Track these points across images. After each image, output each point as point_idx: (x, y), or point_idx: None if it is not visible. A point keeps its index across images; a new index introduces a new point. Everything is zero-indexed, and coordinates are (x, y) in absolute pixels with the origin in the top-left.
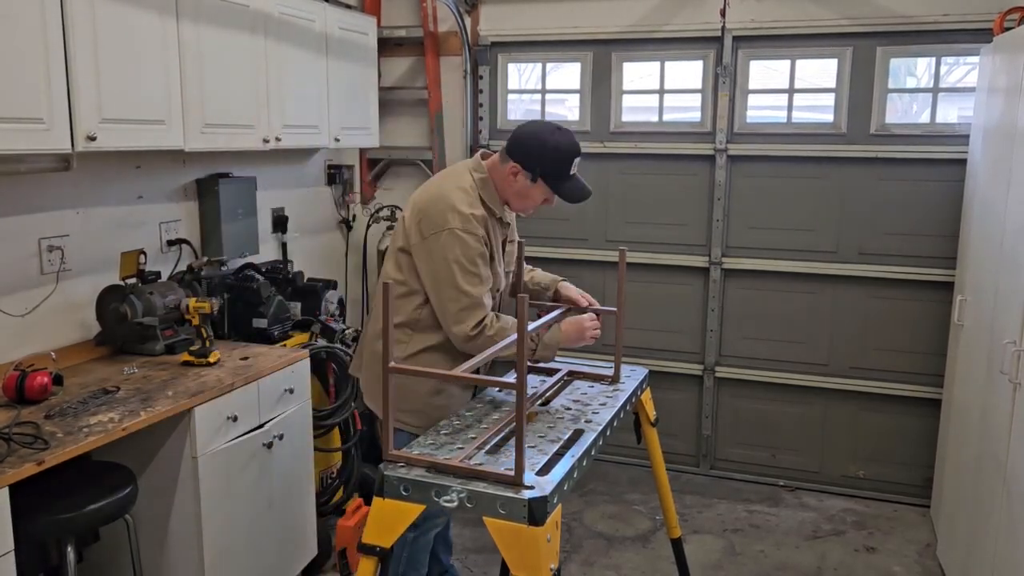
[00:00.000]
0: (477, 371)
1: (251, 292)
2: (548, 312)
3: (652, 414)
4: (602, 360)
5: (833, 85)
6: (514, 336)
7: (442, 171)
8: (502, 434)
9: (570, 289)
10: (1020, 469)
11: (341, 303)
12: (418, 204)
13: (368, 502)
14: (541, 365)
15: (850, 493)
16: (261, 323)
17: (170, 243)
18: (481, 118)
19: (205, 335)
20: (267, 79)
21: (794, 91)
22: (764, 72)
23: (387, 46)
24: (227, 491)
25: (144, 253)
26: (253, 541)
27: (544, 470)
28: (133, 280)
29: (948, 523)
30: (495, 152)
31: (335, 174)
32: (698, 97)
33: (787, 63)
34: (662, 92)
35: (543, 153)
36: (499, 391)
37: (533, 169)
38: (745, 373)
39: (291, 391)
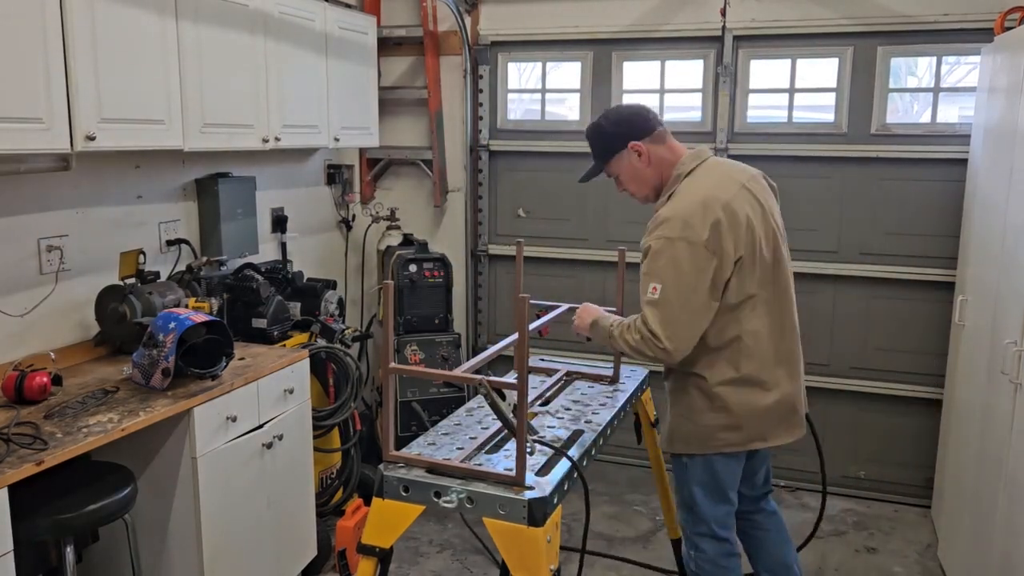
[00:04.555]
0: (478, 371)
1: (251, 292)
2: (548, 312)
3: (652, 414)
4: (602, 360)
5: (834, 85)
6: (515, 336)
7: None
8: (502, 434)
9: None
10: (1021, 469)
11: (341, 303)
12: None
13: (368, 502)
14: (541, 365)
15: (850, 493)
16: (261, 323)
17: (169, 243)
18: (481, 118)
19: None
20: (267, 79)
21: (795, 91)
22: (764, 72)
23: (387, 45)
24: (227, 491)
25: (143, 253)
26: (253, 541)
27: (544, 470)
28: (132, 280)
29: (949, 523)
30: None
31: (335, 174)
32: (699, 97)
33: (788, 63)
34: (662, 92)
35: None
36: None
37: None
38: None
39: (291, 391)
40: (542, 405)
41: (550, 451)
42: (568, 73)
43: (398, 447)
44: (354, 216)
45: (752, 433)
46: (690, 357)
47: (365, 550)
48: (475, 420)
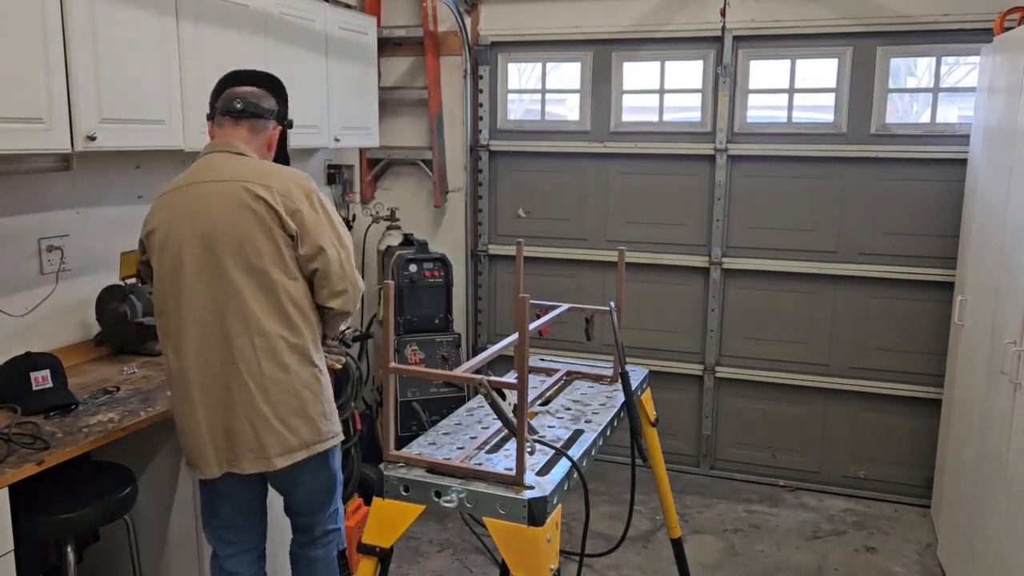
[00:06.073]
0: (478, 371)
1: None
2: (548, 312)
3: (652, 414)
4: (602, 360)
5: (833, 85)
6: (515, 336)
7: (217, 163)
8: (502, 434)
9: None
10: (1020, 469)
11: None
12: (275, 185)
13: (368, 502)
14: (541, 365)
15: (850, 493)
16: None
17: None
18: (481, 118)
19: None
20: None
21: (794, 91)
22: (764, 72)
23: (387, 46)
24: None
25: None
26: None
27: (544, 470)
28: (133, 280)
29: (948, 523)
30: (228, 130)
31: (335, 174)
32: (698, 97)
33: (787, 63)
34: (662, 92)
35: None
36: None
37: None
38: (745, 373)
39: None
40: (542, 405)
41: (550, 451)
42: (568, 73)
43: (398, 447)
44: (354, 216)
45: None
46: None
47: (365, 550)
48: (475, 420)
